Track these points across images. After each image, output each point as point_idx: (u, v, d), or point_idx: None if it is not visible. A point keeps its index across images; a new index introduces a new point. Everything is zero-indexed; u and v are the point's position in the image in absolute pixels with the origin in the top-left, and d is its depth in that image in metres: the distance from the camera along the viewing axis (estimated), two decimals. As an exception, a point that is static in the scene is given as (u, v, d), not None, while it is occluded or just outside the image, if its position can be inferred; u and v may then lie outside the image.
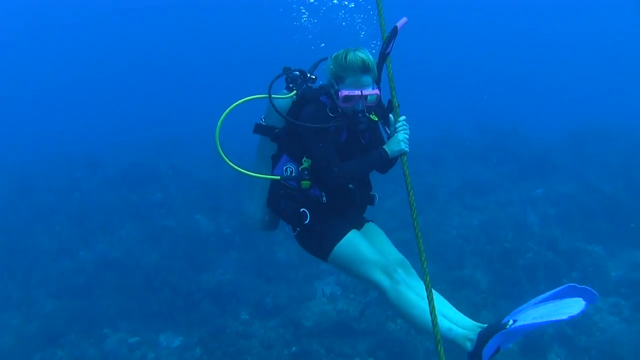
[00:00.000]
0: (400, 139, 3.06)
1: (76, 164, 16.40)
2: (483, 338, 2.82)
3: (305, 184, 3.14)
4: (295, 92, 3.19)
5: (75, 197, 13.98)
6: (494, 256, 9.78)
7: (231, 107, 3.17)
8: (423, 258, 2.79)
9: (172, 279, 9.88)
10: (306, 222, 3.19)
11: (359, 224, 3.46)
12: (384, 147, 3.13)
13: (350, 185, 3.30)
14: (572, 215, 11.68)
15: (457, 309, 3.09)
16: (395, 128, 3.11)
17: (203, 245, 10.97)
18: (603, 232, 10.98)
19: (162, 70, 34.76)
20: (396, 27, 2.94)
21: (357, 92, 2.97)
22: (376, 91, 3.02)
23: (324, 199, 3.21)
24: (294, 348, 8.08)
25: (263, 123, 3.42)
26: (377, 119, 3.18)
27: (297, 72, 3.26)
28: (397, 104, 3.06)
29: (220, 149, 3.21)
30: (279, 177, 3.23)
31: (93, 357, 8.31)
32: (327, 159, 3.06)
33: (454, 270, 9.67)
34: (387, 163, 3.17)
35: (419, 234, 2.84)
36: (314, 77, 3.27)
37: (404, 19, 2.98)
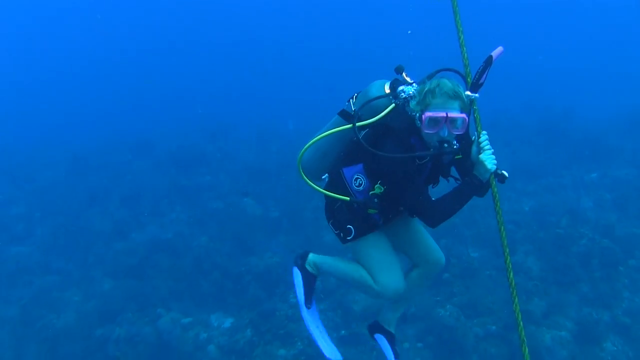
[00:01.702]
0: (485, 159, 2.87)
1: (127, 146, 16.86)
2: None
3: (372, 211, 3.11)
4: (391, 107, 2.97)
5: (127, 180, 14.41)
6: (546, 242, 9.55)
7: (317, 138, 3.17)
8: (511, 276, 3.13)
9: (221, 261, 10.11)
10: (349, 237, 3.28)
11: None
12: (473, 173, 2.95)
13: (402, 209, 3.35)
14: (629, 200, 11.23)
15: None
16: (480, 147, 2.92)
17: (251, 229, 11.15)
18: (663, 218, 10.55)
19: (213, 53, 35.06)
20: (491, 56, 2.81)
21: (443, 114, 2.75)
22: (463, 115, 2.79)
23: (381, 222, 3.26)
24: (343, 332, 8.16)
25: (352, 110, 3.08)
26: (460, 156, 3.06)
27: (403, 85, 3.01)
28: (479, 121, 2.92)
29: (301, 170, 3.30)
30: (347, 199, 3.17)
31: (149, 335, 8.60)
32: (423, 198, 2.98)
33: (503, 256, 9.47)
34: (481, 189, 3.00)
35: (509, 263, 3.08)
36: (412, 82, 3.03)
37: (500, 49, 2.83)
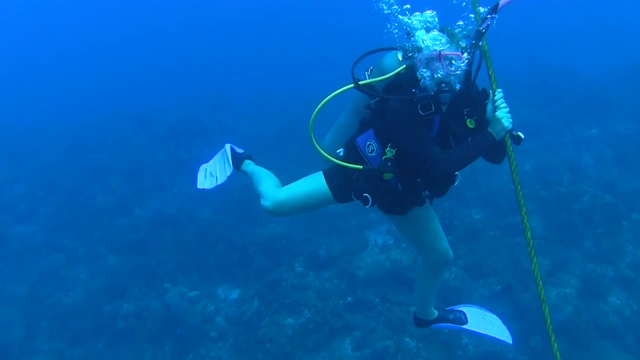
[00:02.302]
0: (501, 116, 2.83)
1: (125, 122, 16.74)
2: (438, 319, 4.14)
3: (388, 176, 3.01)
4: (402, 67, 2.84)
5: (127, 156, 14.35)
6: (548, 201, 9.55)
7: (323, 102, 2.94)
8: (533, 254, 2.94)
9: (226, 233, 10.14)
10: (367, 206, 3.17)
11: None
12: (488, 130, 2.88)
13: (426, 192, 3.14)
14: (630, 155, 11.20)
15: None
16: (495, 105, 2.88)
17: (253, 200, 11.09)
18: (665, 171, 10.53)
19: (206, 27, 34.49)
20: (497, 4, 2.72)
21: (435, 52, 2.66)
22: (457, 53, 2.68)
23: (400, 187, 3.07)
24: (349, 298, 8.23)
25: (367, 79, 2.98)
26: (474, 125, 2.94)
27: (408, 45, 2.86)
28: (494, 78, 2.85)
29: (313, 138, 3.12)
30: (360, 167, 3.08)
31: (157, 309, 8.69)
32: (426, 147, 2.85)
33: (506, 217, 9.52)
34: (494, 147, 2.91)
35: (527, 222, 2.97)
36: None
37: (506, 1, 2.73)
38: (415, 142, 2.85)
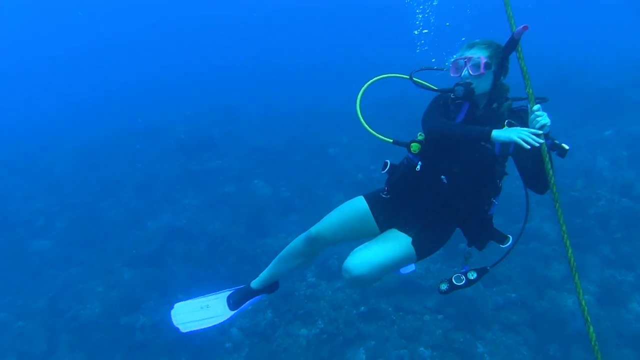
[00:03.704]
0: (518, 129, 2.75)
1: (135, 136, 16.89)
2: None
3: (415, 146, 3.11)
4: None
5: (137, 169, 14.47)
6: (562, 206, 9.39)
7: (371, 81, 3.41)
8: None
9: (237, 244, 10.17)
10: (383, 171, 3.33)
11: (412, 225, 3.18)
12: (494, 126, 2.87)
13: (443, 178, 3.10)
14: (648, 156, 11.05)
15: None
16: (533, 116, 2.84)
17: (263, 210, 11.18)
18: (682, 172, 10.35)
19: (214, 39, 34.77)
20: (513, 36, 2.86)
21: (462, 58, 3.07)
22: (480, 57, 3.01)
23: (418, 167, 3.16)
24: (362, 308, 8.19)
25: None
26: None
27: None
28: (531, 92, 2.87)
29: (359, 111, 3.40)
30: (391, 140, 3.28)
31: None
32: (432, 112, 3.16)
33: (519, 223, 9.37)
34: (479, 138, 2.85)
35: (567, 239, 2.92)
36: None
37: (524, 26, 2.81)
38: (427, 111, 3.20)
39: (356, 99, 3.37)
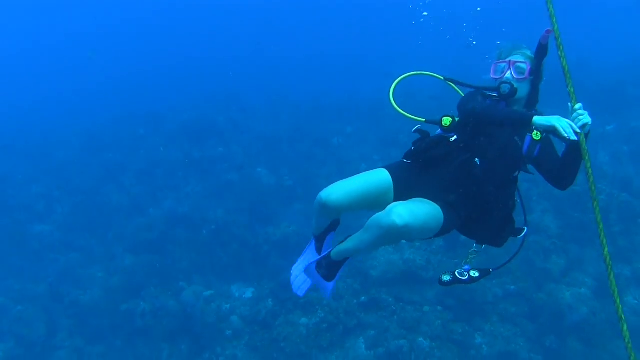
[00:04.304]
0: (560, 118, 2.76)
1: (138, 121, 16.85)
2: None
3: (446, 120, 3.07)
4: None
5: (140, 155, 14.46)
6: (563, 200, 9.47)
7: (411, 74, 3.37)
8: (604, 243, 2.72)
9: (239, 232, 10.22)
10: (405, 159, 3.19)
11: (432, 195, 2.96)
12: (538, 112, 2.99)
13: (477, 160, 2.98)
14: (648, 152, 11.10)
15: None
16: (575, 115, 2.83)
17: (266, 198, 11.22)
18: (682, 168, 10.42)
19: (218, 25, 34.50)
20: (540, 42, 3.04)
21: (506, 61, 3.13)
22: (524, 62, 3.09)
23: (453, 138, 3.08)
24: (363, 298, 8.27)
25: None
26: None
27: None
28: (572, 91, 2.85)
29: (392, 97, 3.28)
30: (423, 120, 3.21)
31: (173, 308, 8.81)
32: (470, 98, 3.18)
33: (519, 215, 9.45)
34: (520, 122, 2.89)
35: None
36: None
37: (548, 30, 2.95)
38: (465, 98, 3.23)
39: (389, 89, 3.28)
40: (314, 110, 16.35)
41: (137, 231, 10.92)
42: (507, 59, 3.13)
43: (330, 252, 3.23)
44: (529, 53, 3.16)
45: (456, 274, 3.14)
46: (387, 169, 3.07)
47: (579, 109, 2.80)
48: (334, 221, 3.46)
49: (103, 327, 9.12)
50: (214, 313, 8.62)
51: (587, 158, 2.73)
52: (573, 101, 2.83)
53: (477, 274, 3.14)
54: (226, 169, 12.86)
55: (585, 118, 2.76)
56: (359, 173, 3.09)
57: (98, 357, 8.79)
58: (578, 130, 2.72)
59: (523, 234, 3.19)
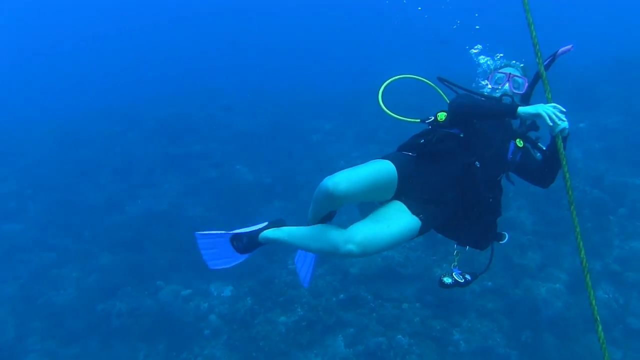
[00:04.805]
0: (544, 105, 2.87)
1: (115, 118, 16.58)
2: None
3: (441, 115, 3.09)
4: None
5: (117, 152, 14.25)
6: (538, 196, 9.64)
7: (403, 76, 3.39)
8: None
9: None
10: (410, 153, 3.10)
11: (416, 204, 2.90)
12: (520, 103, 3.13)
13: (477, 163, 2.95)
14: (618, 149, 11.34)
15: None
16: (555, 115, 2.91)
17: (245, 196, 11.16)
18: (651, 165, 10.67)
19: (195, 20, 34.14)
20: (556, 52, 3.14)
21: (507, 72, 3.24)
22: (521, 77, 3.24)
23: (461, 135, 3.03)
24: (342, 295, 8.29)
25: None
26: (522, 145, 3.16)
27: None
28: (549, 97, 2.96)
29: (381, 100, 3.28)
30: (418, 120, 3.24)
31: (150, 307, 8.72)
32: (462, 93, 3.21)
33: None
34: (503, 113, 2.98)
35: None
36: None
37: (568, 47, 3.11)
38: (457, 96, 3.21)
39: (378, 93, 3.29)
40: (292, 107, 16.33)
41: (114, 229, 10.78)
42: (505, 71, 3.27)
43: (257, 233, 3.38)
44: (524, 68, 3.35)
45: (454, 276, 3.10)
46: (390, 161, 2.90)
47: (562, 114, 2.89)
48: (330, 213, 3.23)
49: (78, 328, 8.94)
50: (192, 312, 8.56)
51: (564, 162, 2.83)
52: (548, 98, 2.94)
53: (469, 277, 3.12)
54: (205, 166, 12.76)
55: (563, 123, 2.86)
56: (344, 168, 2.85)
57: (72, 359, 8.63)
58: (563, 118, 2.84)
59: (504, 240, 3.20)
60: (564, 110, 2.87)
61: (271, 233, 3.27)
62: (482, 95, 3.22)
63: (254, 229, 3.48)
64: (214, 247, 3.54)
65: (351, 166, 2.84)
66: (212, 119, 15.34)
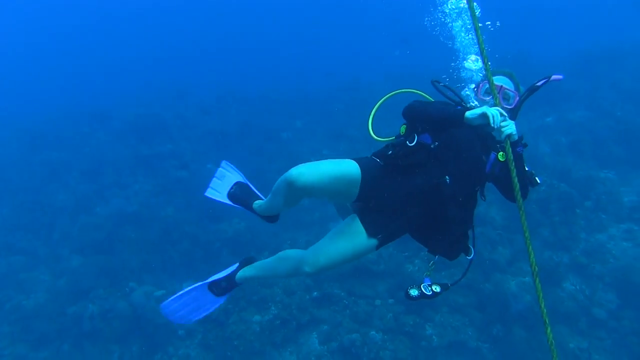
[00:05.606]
0: (490, 107, 2.80)
1: (83, 118, 16.28)
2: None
3: (403, 127, 3.16)
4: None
5: (85, 152, 14.00)
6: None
7: (396, 92, 3.38)
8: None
9: (190, 230, 10.08)
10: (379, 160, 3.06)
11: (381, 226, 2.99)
12: (469, 107, 3.04)
13: (447, 178, 2.90)
14: (584, 143, 11.62)
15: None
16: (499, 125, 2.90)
17: (217, 195, 11.08)
18: (616, 158, 10.97)
19: (164, 18, 33.66)
20: (549, 78, 3.11)
21: (498, 84, 3.15)
22: (512, 91, 3.17)
23: (434, 145, 2.98)
24: (315, 293, 8.33)
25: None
26: (503, 159, 2.98)
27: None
28: (497, 102, 2.99)
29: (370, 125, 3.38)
30: (393, 137, 3.29)
31: (123, 309, 8.60)
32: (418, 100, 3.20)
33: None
34: (453, 118, 2.85)
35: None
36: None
37: (559, 77, 3.09)
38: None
39: (369, 117, 3.36)
40: (263, 105, 16.28)
41: (84, 231, 10.59)
42: (497, 82, 3.15)
43: (233, 275, 3.54)
44: (517, 82, 3.29)
45: (422, 288, 3.16)
46: (357, 163, 2.90)
47: (504, 120, 2.85)
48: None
49: (49, 331, 8.77)
50: (166, 313, 8.47)
51: (512, 167, 2.83)
52: (495, 100, 2.98)
53: (438, 289, 3.17)
54: (175, 165, 12.63)
55: (510, 128, 2.83)
56: (335, 161, 2.90)
57: (43, 363, 8.49)
58: (506, 123, 2.83)
59: (471, 256, 3.22)
60: (504, 114, 2.84)
61: (247, 272, 3.51)
62: (445, 103, 3.14)
63: (229, 272, 3.62)
64: (193, 302, 3.67)
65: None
66: (181, 118, 15.19)
